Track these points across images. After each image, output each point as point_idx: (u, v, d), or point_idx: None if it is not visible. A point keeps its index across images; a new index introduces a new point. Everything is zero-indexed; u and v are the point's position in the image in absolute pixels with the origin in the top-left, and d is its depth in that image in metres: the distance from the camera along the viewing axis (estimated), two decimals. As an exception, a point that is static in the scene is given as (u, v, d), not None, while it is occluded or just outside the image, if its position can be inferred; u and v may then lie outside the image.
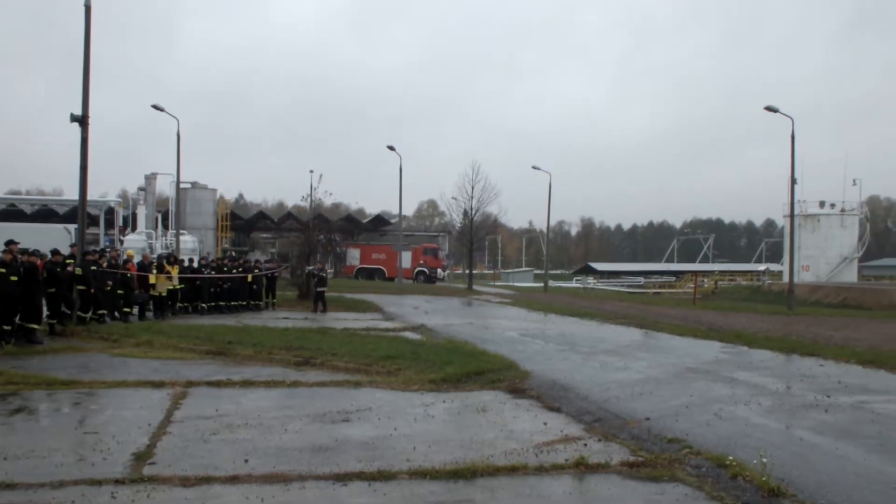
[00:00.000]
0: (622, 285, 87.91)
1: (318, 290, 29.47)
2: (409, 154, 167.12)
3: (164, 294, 24.51)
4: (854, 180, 64.72)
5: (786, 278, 52.32)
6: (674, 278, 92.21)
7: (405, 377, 12.86)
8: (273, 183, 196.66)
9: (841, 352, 17.92)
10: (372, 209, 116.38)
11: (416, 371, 13.29)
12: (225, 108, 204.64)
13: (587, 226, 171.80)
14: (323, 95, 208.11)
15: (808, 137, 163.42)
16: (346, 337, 18.36)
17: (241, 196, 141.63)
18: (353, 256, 68.82)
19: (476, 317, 29.09)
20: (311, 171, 44.59)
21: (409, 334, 20.59)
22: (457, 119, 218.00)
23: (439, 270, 66.14)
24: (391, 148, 49.36)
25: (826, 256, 63.09)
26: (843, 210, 63.81)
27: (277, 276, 32.43)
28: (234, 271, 28.79)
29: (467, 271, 67.01)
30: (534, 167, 58.94)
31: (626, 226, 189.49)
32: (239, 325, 21.42)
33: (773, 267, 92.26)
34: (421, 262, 65.36)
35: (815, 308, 41.89)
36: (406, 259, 64.48)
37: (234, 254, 44.26)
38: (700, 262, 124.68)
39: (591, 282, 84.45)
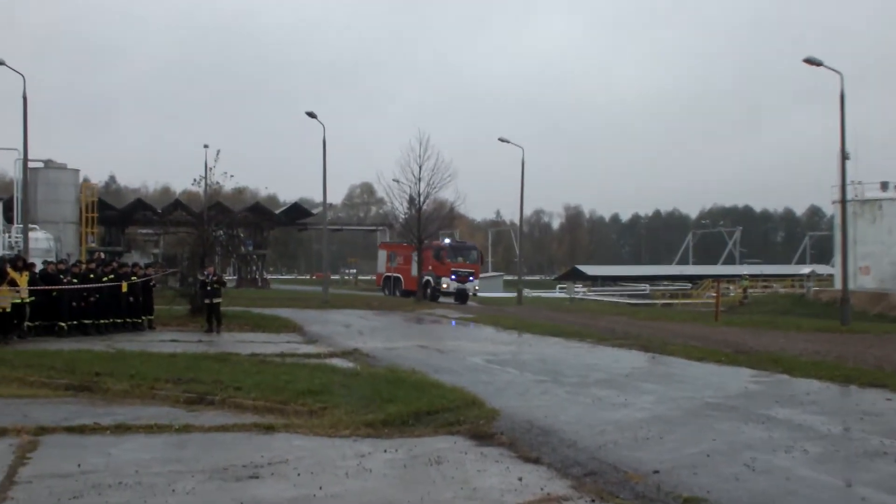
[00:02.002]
0: (621, 294, 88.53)
1: (210, 301, 29.27)
2: (338, 124, 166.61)
3: (9, 310, 24.12)
4: (925, 155, 65.39)
5: (838, 284, 53.01)
6: (689, 285, 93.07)
7: (333, 419, 12.79)
8: (156, 162, 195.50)
9: (913, 381, 18.17)
10: (288, 196, 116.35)
11: (347, 411, 13.24)
12: (92, 64, 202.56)
13: (573, 217, 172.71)
14: (224, 50, 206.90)
15: (866, 100, 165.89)
16: (253, 365, 18.26)
17: (112, 179, 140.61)
18: (382, 261, 67.56)
19: (427, 338, 29.11)
20: (206, 147, 44.27)
21: (337, 361, 20.55)
22: (404, 80, 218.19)
23: (444, 280, 58.66)
24: (311, 115, 49.12)
25: (891, 254, 63.44)
26: (913, 193, 64.30)
27: (154, 284, 32.12)
28: (105, 279, 28.44)
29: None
30: (501, 140, 59.08)
31: (625, 216, 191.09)
32: (111, 350, 21.21)
33: (821, 269, 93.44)
34: (430, 268, 59.21)
35: (878, 323, 42.48)
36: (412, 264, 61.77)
37: (104, 256, 43.77)
38: (723, 263, 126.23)
39: (579, 290, 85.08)
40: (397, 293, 62.53)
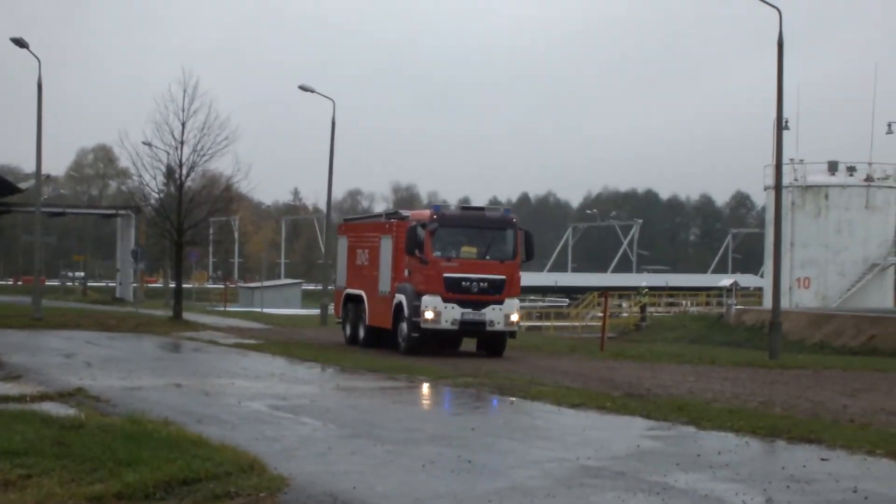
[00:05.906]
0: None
1: None
2: (67, 65, 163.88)
3: None
4: (890, 125, 67.13)
5: (767, 302, 54.44)
6: (566, 301, 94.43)
7: (41, 492, 12.55)
8: None
9: (860, 435, 18.80)
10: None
11: (63, 480, 13.02)
12: None
13: (404, 201, 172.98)
14: None
15: (815, 52, 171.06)
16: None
17: None
18: (343, 261, 46.38)
19: (187, 373, 28.97)
20: None
21: (51, 407, 20.17)
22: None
23: (427, 301, 36.67)
24: (19, 43, 48.15)
25: (839, 261, 65.35)
26: (869, 178, 65.89)
27: None
28: None
29: (172, 284, 66.18)
30: (304, 88, 58.75)
31: (479, 201, 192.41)
32: None
33: (747, 280, 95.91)
34: (407, 273, 38.60)
35: (820, 355, 43.84)
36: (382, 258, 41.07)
37: None
38: (615, 270, 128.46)
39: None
40: (360, 334, 42.12)
